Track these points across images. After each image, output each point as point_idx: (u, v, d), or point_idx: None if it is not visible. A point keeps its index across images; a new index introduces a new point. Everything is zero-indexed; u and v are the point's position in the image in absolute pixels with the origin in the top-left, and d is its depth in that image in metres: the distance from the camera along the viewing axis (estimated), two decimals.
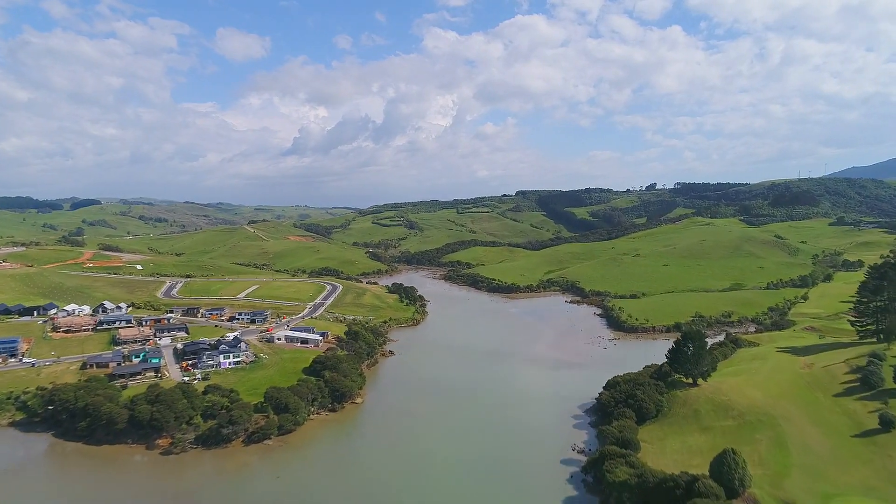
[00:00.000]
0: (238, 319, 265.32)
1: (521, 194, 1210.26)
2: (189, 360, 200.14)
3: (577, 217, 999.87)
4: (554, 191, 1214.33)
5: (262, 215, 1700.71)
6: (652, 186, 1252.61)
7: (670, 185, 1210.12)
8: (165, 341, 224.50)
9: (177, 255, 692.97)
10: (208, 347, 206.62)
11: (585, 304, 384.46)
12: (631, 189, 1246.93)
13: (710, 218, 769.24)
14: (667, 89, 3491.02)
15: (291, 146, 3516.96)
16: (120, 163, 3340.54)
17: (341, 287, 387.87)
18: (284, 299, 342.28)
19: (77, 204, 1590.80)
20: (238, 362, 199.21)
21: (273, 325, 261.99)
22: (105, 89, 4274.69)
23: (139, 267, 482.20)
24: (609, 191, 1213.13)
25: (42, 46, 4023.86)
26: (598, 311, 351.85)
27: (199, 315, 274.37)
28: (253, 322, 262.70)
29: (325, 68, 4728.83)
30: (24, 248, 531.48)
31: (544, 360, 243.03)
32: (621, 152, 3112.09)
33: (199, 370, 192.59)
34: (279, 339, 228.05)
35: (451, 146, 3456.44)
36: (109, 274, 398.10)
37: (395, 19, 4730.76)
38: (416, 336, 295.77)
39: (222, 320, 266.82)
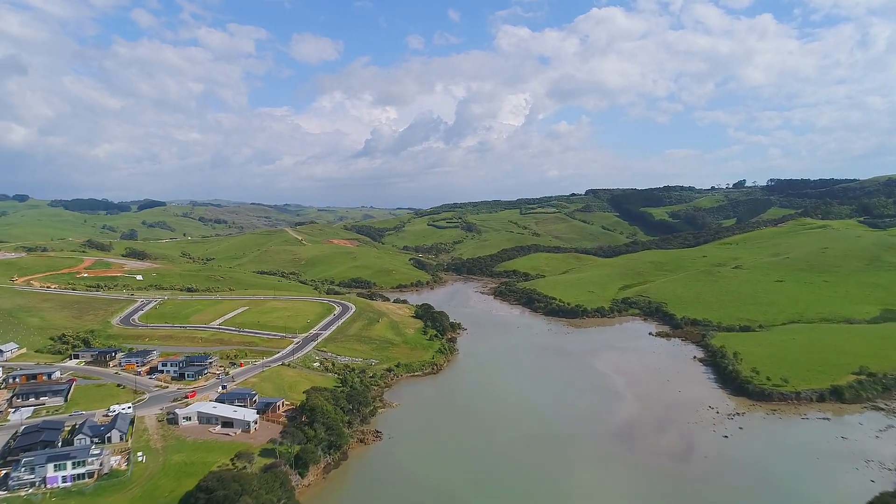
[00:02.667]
0: (163, 371, 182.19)
1: (592, 193, 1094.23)
2: (5, 467, 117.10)
3: (654, 218, 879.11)
4: (628, 189, 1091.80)
5: (326, 216, 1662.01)
6: (741, 184, 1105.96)
7: (761, 183, 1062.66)
8: (20, 415, 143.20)
9: (206, 260, 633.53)
10: (46, 443, 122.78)
11: (677, 339, 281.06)
12: (716, 187, 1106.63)
13: (822, 220, 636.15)
14: (753, 82, 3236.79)
15: (363, 148, 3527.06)
16: (202, 166, 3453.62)
17: (353, 309, 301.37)
18: (271, 328, 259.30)
19: (143, 205, 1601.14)
20: (80, 476, 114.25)
21: (210, 383, 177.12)
22: (188, 95, 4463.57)
23: (139, 277, 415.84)
24: (691, 189, 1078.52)
25: (130, 56, 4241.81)
26: (699, 354, 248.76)
27: (112, 363, 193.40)
28: (181, 377, 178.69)
29: (396, 70, 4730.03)
30: (23, 254, 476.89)
31: (625, 458, 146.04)
32: (700, 150, 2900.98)
33: (4, 491, 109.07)
34: (187, 418, 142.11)
35: (522, 146, 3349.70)
36: (72, 291, 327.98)
37: (468, 17, 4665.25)
38: (429, 394, 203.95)
39: (139, 372, 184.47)
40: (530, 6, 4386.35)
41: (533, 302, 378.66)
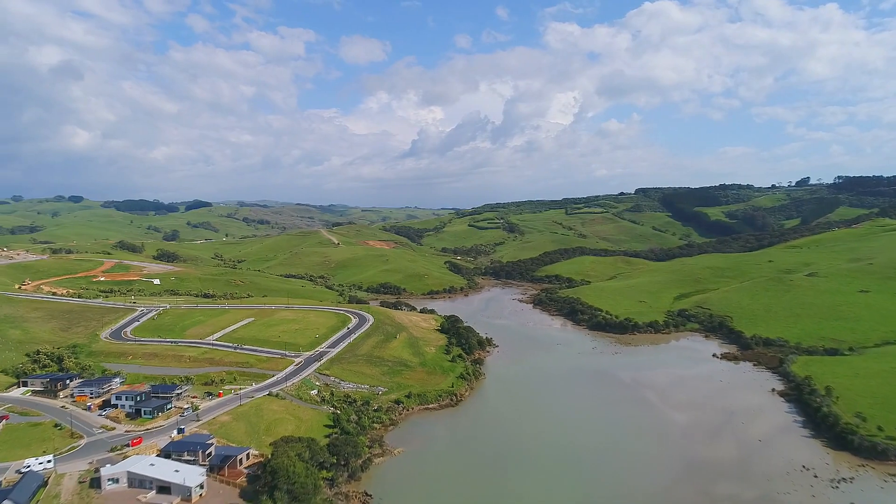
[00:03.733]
0: (116, 405, 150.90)
1: (642, 192, 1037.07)
2: None
3: (709, 218, 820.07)
4: (681, 188, 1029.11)
5: (369, 217, 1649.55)
6: (804, 182, 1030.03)
7: (826, 181, 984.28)
8: None
9: (237, 262, 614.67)
10: None
11: (747, 363, 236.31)
12: (777, 185, 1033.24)
13: None
14: (816, 76, 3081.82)
15: (409, 148, 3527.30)
16: (253, 168, 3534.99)
17: (370, 322, 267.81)
18: (273, 344, 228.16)
19: (191, 206, 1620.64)
20: None
21: (168, 422, 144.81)
22: (240, 98, 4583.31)
23: (156, 282, 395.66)
24: (749, 187, 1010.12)
25: (185, 60, 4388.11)
26: (778, 385, 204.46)
27: (64, 392, 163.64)
28: (137, 413, 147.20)
29: (440, 69, 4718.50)
30: (45, 256, 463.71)
31: None
32: (757, 147, 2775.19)
33: None
34: (113, 479, 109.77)
35: (571, 145, 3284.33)
36: (70, 298, 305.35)
37: (516, 14, 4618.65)
38: (442, 436, 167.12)
39: (90, 406, 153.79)
40: (580, 2, 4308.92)
41: (576, 313, 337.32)
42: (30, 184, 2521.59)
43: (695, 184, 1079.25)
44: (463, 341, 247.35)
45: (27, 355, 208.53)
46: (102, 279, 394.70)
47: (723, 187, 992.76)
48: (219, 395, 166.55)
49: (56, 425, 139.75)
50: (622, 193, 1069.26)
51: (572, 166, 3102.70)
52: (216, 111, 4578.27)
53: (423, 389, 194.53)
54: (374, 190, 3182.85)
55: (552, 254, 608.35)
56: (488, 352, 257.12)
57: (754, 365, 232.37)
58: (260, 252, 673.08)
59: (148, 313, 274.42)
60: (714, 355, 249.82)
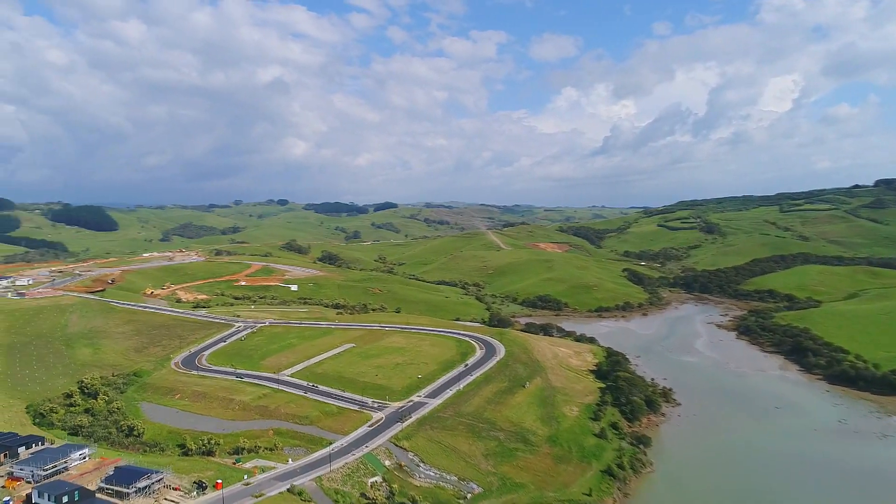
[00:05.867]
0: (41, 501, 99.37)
1: (885, 184, 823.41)
2: None
3: None
4: None
5: (552, 216, 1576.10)
6: None
7: None
8: None
9: (397, 264, 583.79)
10: None
11: None
12: None
13: None
14: None
15: (601, 146, 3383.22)
16: (445, 171, 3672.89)
17: (499, 357, 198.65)
18: (357, 386, 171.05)
19: (379, 207, 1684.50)
20: None
21: None
22: (433, 103, 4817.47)
23: (294, 288, 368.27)
24: None
25: (385, 71, 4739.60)
26: None
27: (7, 465, 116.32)
28: None
29: (634, 60, 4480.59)
30: (200, 259, 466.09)
31: None
32: None
33: None
34: None
35: (787, 134, 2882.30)
36: (171, 310, 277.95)
37: None
38: None
39: (11, 500, 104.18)
40: None
41: (804, 352, 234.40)
42: (256, 190, 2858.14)
43: None
44: (623, 400, 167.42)
45: (78, 382, 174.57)
46: (243, 283, 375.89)
47: None
48: (216, 486, 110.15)
49: None
50: (857, 186, 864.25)
51: (786, 158, 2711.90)
52: (412, 117, 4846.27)
53: (539, 495, 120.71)
54: (559, 189, 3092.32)
55: (763, 261, 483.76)
56: (663, 415, 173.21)
57: None
58: (422, 255, 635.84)
59: (243, 331, 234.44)
60: None
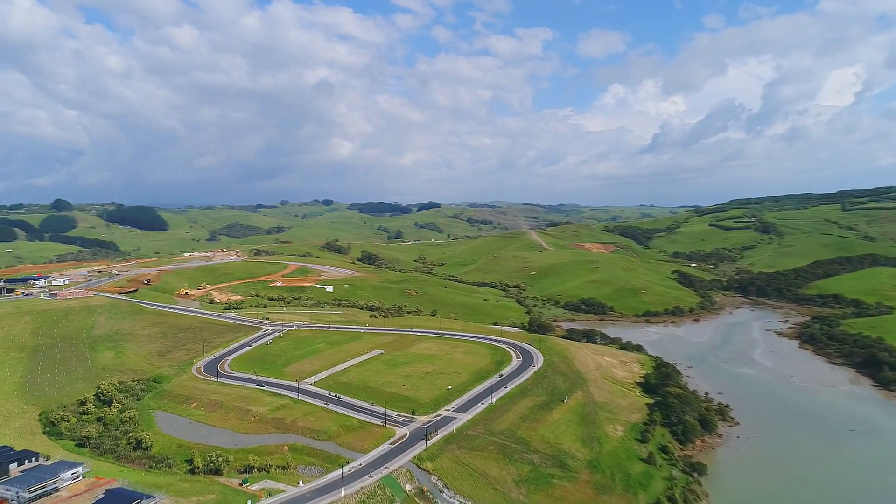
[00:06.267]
0: None
1: None
2: None
3: None
4: None
5: (598, 216, 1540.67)
6: None
7: None
8: None
9: (437, 265, 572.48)
10: None
11: None
12: None
13: None
14: None
15: (649, 144, 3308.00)
16: (490, 170, 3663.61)
17: (537, 366, 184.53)
18: (383, 397, 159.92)
19: (422, 207, 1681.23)
20: None
21: None
22: (478, 103, 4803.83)
23: (328, 289, 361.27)
24: None
25: (430, 71, 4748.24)
26: None
27: None
28: None
29: (684, 54, 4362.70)
30: (238, 259, 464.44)
31: None
32: None
33: None
34: None
35: (847, 130, 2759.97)
36: (200, 312, 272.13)
37: None
38: None
39: None
40: None
41: (879, 365, 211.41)
42: (302, 190, 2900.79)
43: None
44: (674, 419, 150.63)
45: (97, 387, 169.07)
46: (279, 284, 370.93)
47: None
48: None
49: None
50: None
51: (847, 155, 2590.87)
52: (456, 117, 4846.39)
53: None
54: (606, 188, 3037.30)
55: (826, 263, 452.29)
56: (720, 437, 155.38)
57: None
58: (461, 255, 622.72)
59: (269, 335, 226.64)
60: None
